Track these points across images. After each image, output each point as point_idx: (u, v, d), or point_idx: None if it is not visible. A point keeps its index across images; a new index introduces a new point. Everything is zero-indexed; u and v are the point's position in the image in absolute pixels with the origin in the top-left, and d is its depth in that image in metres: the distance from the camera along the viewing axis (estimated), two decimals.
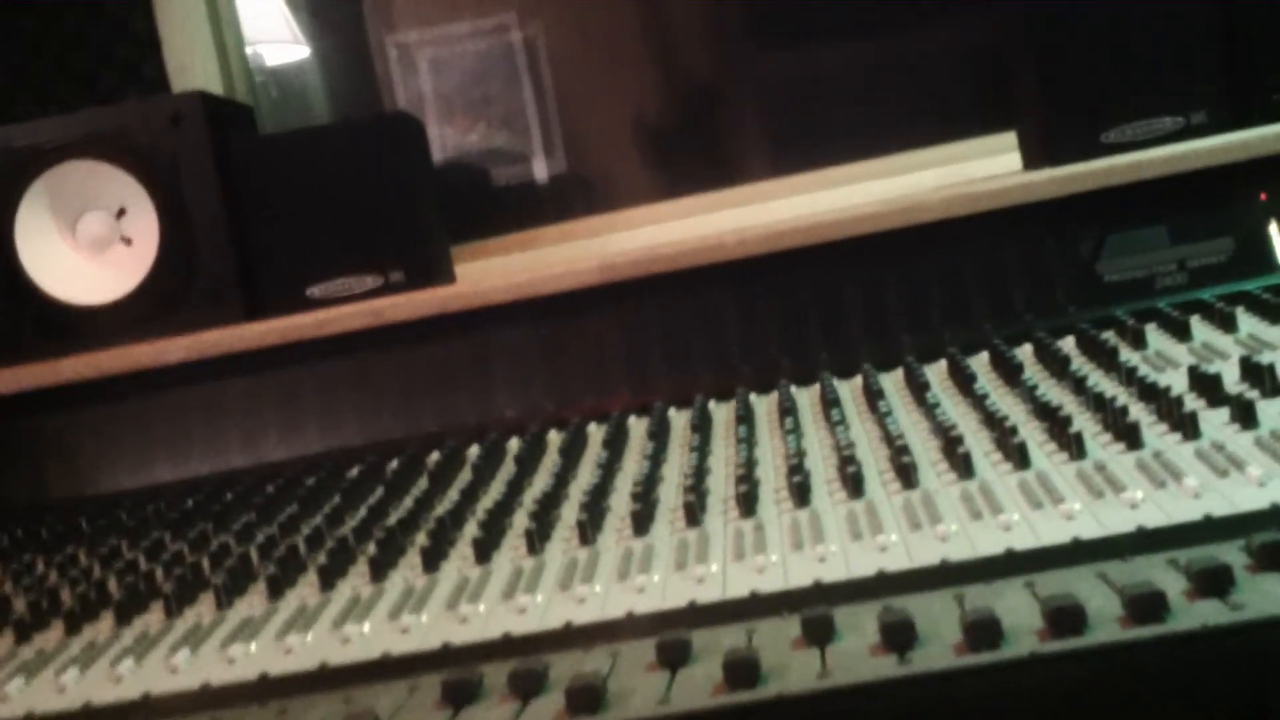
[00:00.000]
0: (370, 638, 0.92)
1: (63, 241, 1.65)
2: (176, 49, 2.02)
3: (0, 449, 1.61)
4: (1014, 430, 1.05)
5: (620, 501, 1.11)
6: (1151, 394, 1.09)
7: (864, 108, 2.06)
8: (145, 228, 1.62)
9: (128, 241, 1.64)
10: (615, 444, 1.28)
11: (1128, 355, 1.24)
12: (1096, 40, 1.52)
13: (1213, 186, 1.42)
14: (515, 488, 1.20)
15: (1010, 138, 1.72)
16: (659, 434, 1.29)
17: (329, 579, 1.05)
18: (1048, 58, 1.54)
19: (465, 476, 1.29)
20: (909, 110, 2.03)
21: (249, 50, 2.15)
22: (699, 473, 1.12)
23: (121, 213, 1.64)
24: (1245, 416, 1.00)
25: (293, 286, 1.64)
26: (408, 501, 1.23)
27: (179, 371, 1.58)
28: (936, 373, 1.33)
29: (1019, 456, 1.01)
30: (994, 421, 1.09)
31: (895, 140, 1.99)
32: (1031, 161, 1.58)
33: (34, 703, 0.91)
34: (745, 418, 1.27)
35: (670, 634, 0.79)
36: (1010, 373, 1.25)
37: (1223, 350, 1.22)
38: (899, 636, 0.74)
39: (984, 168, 1.87)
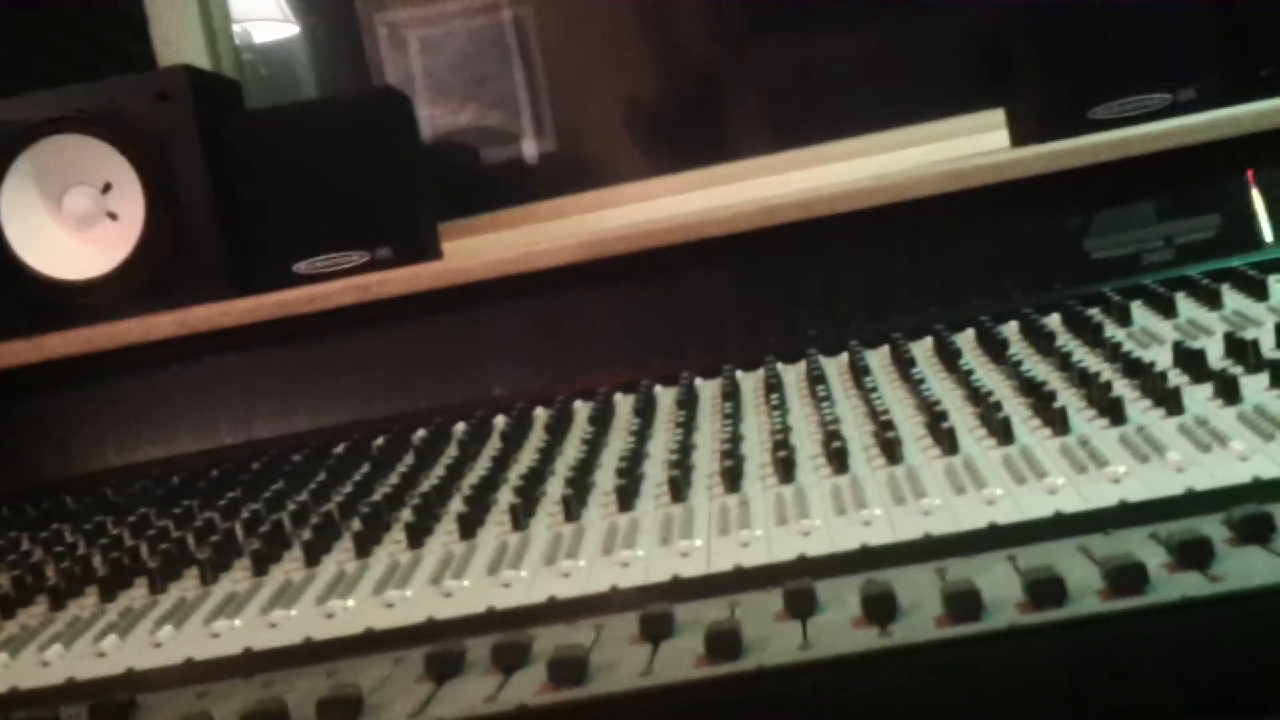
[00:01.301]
0: (355, 612, 0.92)
1: (48, 217, 1.64)
2: (164, 25, 2.01)
3: None
4: (998, 406, 1.05)
5: (606, 477, 1.11)
6: (1136, 370, 1.09)
7: (854, 85, 2.06)
8: (131, 203, 1.62)
9: (114, 217, 1.64)
10: (601, 420, 1.28)
11: (1113, 331, 1.25)
12: (1086, 16, 1.52)
13: (1200, 163, 1.42)
14: (501, 464, 1.20)
15: (994, 116, 1.71)
16: (645, 410, 1.29)
17: (314, 555, 1.05)
18: (1037, 33, 1.54)
19: (451, 453, 1.29)
20: (899, 87, 2.03)
21: (237, 28, 2.14)
22: (684, 449, 1.12)
23: (107, 188, 1.63)
24: (1229, 392, 1.00)
25: (280, 262, 1.63)
26: (393, 478, 1.23)
27: (166, 348, 1.58)
28: (923, 349, 1.33)
29: (1003, 432, 1.01)
30: (979, 397, 1.09)
31: (885, 117, 1.99)
32: (1020, 138, 1.57)
33: (18, 678, 0.91)
34: (732, 394, 1.27)
35: (653, 607, 0.79)
36: (996, 349, 1.25)
37: (1208, 326, 1.22)
38: (880, 609, 0.74)
39: (973, 145, 1.87)
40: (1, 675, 0.93)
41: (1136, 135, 1.43)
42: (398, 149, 1.67)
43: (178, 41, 1.99)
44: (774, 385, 1.27)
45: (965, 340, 1.33)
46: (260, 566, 1.05)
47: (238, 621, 0.94)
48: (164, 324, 1.57)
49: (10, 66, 1.99)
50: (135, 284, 1.61)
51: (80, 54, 2.00)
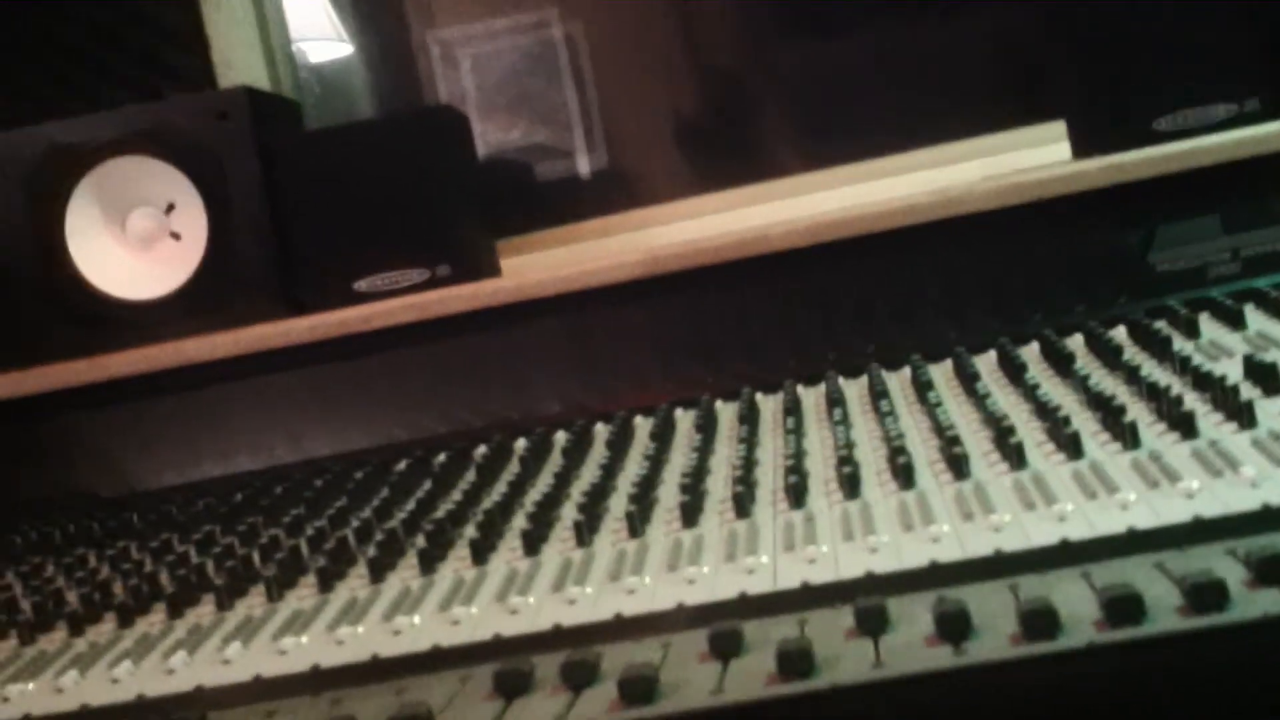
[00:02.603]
0: (421, 629, 0.92)
1: (112, 237, 1.66)
2: (222, 46, 2.03)
3: (50, 444, 1.63)
4: (1067, 420, 1.04)
5: (668, 494, 1.10)
6: (1206, 383, 1.07)
7: (904, 99, 2.05)
8: (193, 223, 1.63)
9: (176, 237, 1.65)
10: (662, 437, 1.28)
11: (1181, 345, 1.23)
12: (1147, 26, 1.50)
13: (1266, 174, 1.40)
14: (563, 480, 1.20)
15: (1053, 128, 1.70)
16: (706, 426, 1.28)
17: (379, 571, 1.05)
18: (1098, 44, 1.52)
19: (513, 469, 1.29)
20: (951, 101, 2.02)
21: (293, 48, 2.16)
22: (747, 464, 1.11)
23: (170, 208, 1.65)
24: None
25: (339, 281, 1.64)
26: (455, 494, 1.23)
27: (226, 367, 1.59)
28: (986, 364, 1.32)
29: (1072, 447, 1.00)
30: (1046, 411, 1.08)
31: (936, 132, 1.98)
32: (1081, 150, 1.56)
33: (89, 695, 0.92)
34: (792, 410, 1.26)
35: (722, 624, 0.79)
36: (1061, 363, 1.24)
37: (1277, 339, 1.20)
38: (954, 627, 0.73)
39: (1027, 158, 1.85)
40: (72, 692, 0.93)
41: (1201, 146, 1.42)
42: (455, 166, 1.68)
43: (238, 62, 2.01)
44: (836, 400, 1.26)
45: (1030, 354, 1.32)
46: (326, 583, 1.05)
47: (305, 639, 0.94)
48: (223, 343, 1.58)
49: (69, 86, 2.02)
50: (197, 303, 1.62)
51: (133, 73, 2.02)
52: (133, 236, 1.66)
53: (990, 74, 2.00)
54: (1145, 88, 1.51)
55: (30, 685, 0.96)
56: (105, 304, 1.63)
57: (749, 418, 1.27)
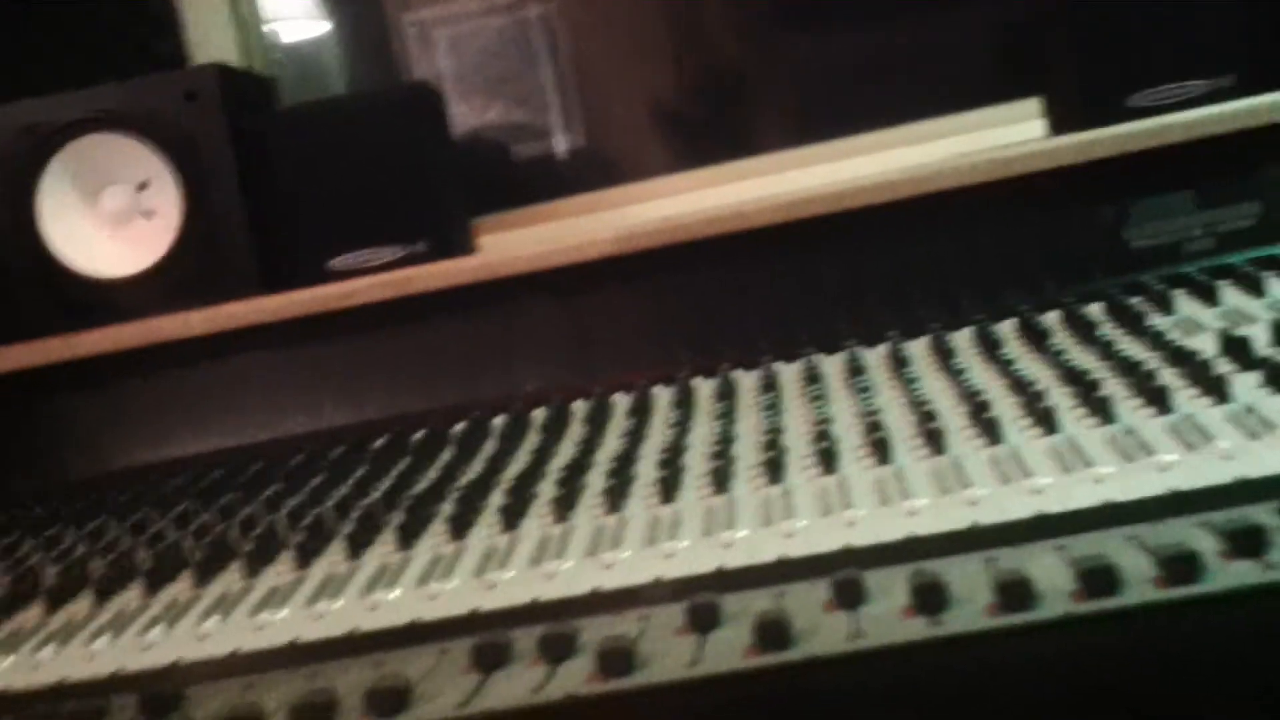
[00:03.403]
0: (399, 604, 0.92)
1: (85, 216, 1.65)
2: (196, 25, 2.02)
3: (25, 423, 1.62)
4: (1042, 395, 1.04)
5: (647, 469, 1.11)
6: (1180, 358, 1.08)
7: (882, 77, 2.04)
8: (166, 201, 1.62)
9: (149, 215, 1.64)
10: (640, 413, 1.28)
11: (1156, 320, 1.24)
12: (1123, 3, 1.50)
13: (1241, 150, 1.40)
14: (540, 457, 1.20)
15: (1030, 105, 1.70)
16: (683, 403, 1.28)
17: (356, 547, 1.05)
18: (1074, 21, 1.53)
19: (491, 446, 1.29)
20: (927, 78, 2.01)
21: (267, 28, 2.15)
22: (725, 440, 1.12)
23: (143, 186, 1.64)
24: (1276, 379, 0.99)
25: (314, 259, 1.64)
26: (433, 471, 1.23)
27: (200, 345, 1.58)
28: (963, 339, 1.33)
29: (1047, 421, 1.00)
30: (1021, 387, 1.09)
31: (913, 109, 1.98)
32: (1058, 126, 1.56)
33: (66, 670, 0.92)
34: (770, 386, 1.27)
35: (700, 598, 0.79)
36: (1037, 339, 1.25)
37: (1251, 314, 1.21)
38: (930, 598, 0.74)
39: (1004, 135, 1.85)
40: (50, 667, 0.93)
41: (1176, 122, 1.42)
42: (430, 144, 1.67)
43: (212, 41, 1.99)
44: (813, 377, 1.26)
45: (1006, 330, 1.32)
46: (303, 559, 1.05)
47: (282, 614, 0.94)
48: (197, 321, 1.57)
49: (40, 66, 2.00)
50: (171, 281, 1.61)
51: (110, 53, 2.00)
52: (105, 215, 1.65)
53: (967, 51, 2.01)
54: (1121, 64, 1.51)
55: (7, 661, 0.95)
56: (78, 282, 1.62)
57: (727, 394, 1.28)
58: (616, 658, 0.74)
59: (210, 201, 1.62)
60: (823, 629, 0.74)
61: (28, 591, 1.10)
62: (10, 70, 1.99)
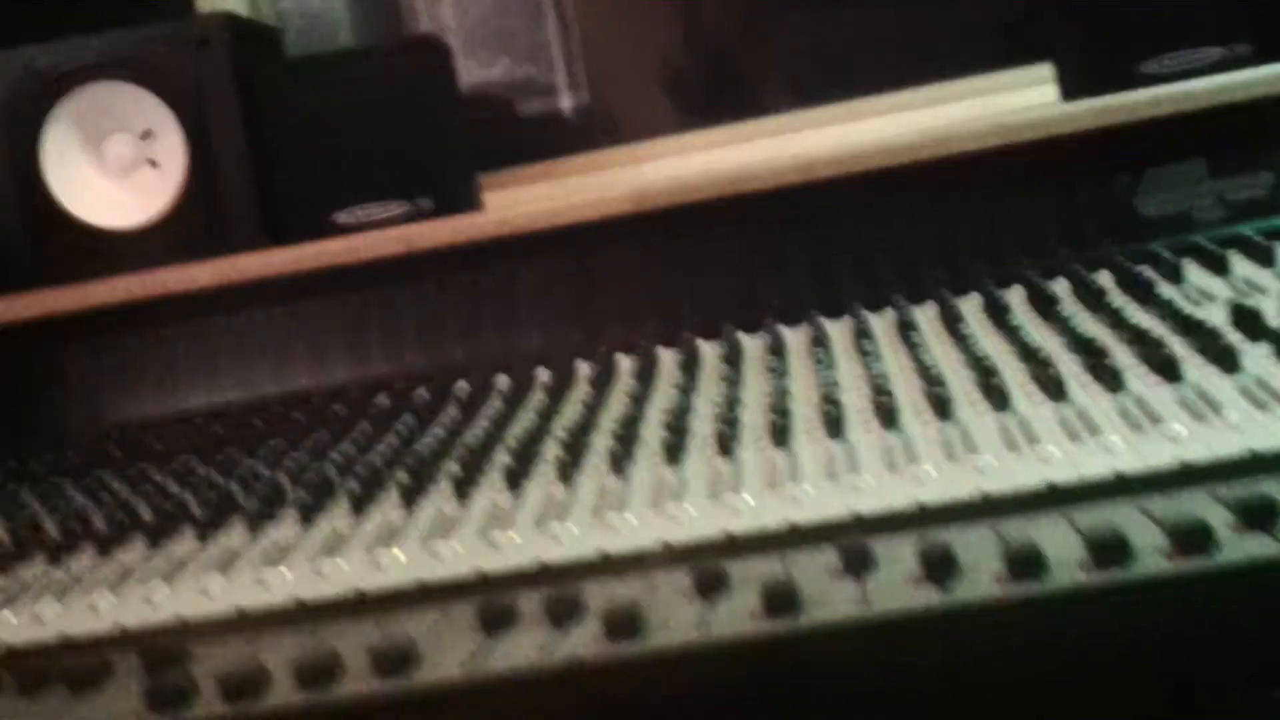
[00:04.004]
0: (403, 564, 0.92)
1: (89, 164, 1.64)
2: None
3: (27, 374, 1.62)
4: (1049, 363, 1.04)
5: (652, 432, 1.10)
6: (1190, 328, 1.07)
7: (895, 38, 2.03)
8: (172, 151, 1.61)
9: (154, 164, 1.63)
10: (646, 375, 1.27)
11: (1165, 289, 1.23)
12: None
13: (1255, 119, 1.39)
14: (545, 417, 1.19)
15: (1042, 70, 1.69)
16: (689, 365, 1.28)
17: (361, 506, 1.05)
18: None
19: (495, 405, 1.28)
20: (940, 41, 2.00)
21: None
22: (731, 403, 1.11)
23: (147, 135, 1.63)
24: None
25: (320, 212, 1.63)
26: (437, 430, 1.23)
27: (205, 298, 1.58)
28: (970, 305, 1.32)
29: (1055, 389, 1.00)
30: (1029, 354, 1.08)
31: (925, 72, 1.96)
32: (1070, 92, 1.55)
33: (67, 625, 0.92)
34: (777, 349, 1.26)
35: (707, 563, 0.79)
36: (1045, 307, 1.24)
37: (1262, 285, 1.20)
38: (939, 566, 0.74)
39: (1016, 100, 1.84)
40: (52, 622, 0.93)
41: (1189, 90, 1.41)
42: (437, 98, 1.66)
43: None
44: (819, 341, 1.26)
45: (1013, 297, 1.31)
46: (307, 517, 1.04)
47: (286, 571, 0.94)
48: (202, 273, 1.57)
49: (41, 9, 1.98)
50: (176, 232, 1.60)
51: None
52: (110, 163, 1.64)
53: (980, 15, 1.99)
54: (1134, 30, 1.49)
55: (8, 615, 0.95)
56: (83, 232, 1.61)
57: (732, 357, 1.27)
58: (623, 620, 0.74)
59: (215, 153, 1.61)
60: (830, 595, 0.74)
61: (29, 545, 1.10)
62: (11, 14, 1.97)
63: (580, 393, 1.28)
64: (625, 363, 1.37)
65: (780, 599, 0.73)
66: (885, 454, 0.95)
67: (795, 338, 1.33)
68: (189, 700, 0.76)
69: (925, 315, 1.32)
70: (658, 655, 0.72)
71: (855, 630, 0.71)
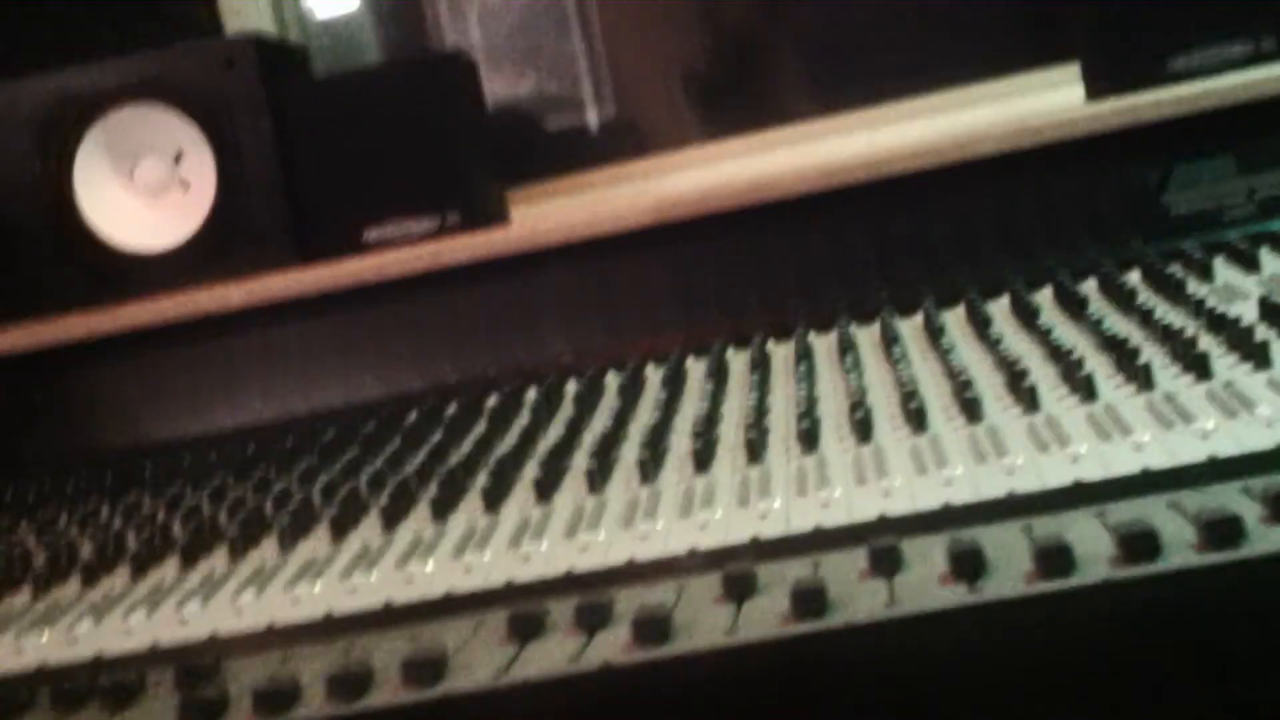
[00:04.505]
0: (434, 576, 0.92)
1: (120, 187, 1.65)
2: None
3: (61, 396, 1.63)
4: (1080, 362, 1.03)
5: (680, 440, 1.10)
6: (1220, 325, 1.06)
7: (916, 43, 2.03)
8: (202, 172, 1.62)
9: (185, 186, 1.65)
10: (673, 384, 1.27)
11: (1195, 287, 1.22)
12: None
13: None
14: (574, 428, 1.20)
15: (1065, 71, 1.68)
16: (717, 373, 1.28)
17: (391, 520, 1.05)
18: None
19: (524, 418, 1.29)
20: (964, 44, 1.99)
21: (302, 4, 2.15)
22: (759, 410, 1.11)
23: (179, 157, 1.64)
24: None
25: (349, 230, 1.63)
26: (467, 444, 1.23)
27: (236, 317, 1.59)
28: (999, 307, 1.32)
29: (1086, 388, 0.99)
30: (1059, 354, 1.08)
31: (949, 76, 1.96)
32: (1095, 91, 1.54)
33: (104, 643, 0.92)
34: (804, 355, 1.26)
35: (735, 566, 0.79)
36: (1075, 306, 1.23)
37: None
38: (968, 565, 0.73)
39: (1040, 102, 1.83)
40: (86, 641, 0.93)
41: (1217, 87, 1.40)
42: (463, 113, 1.67)
43: (245, 10, 1.99)
44: (847, 346, 1.25)
45: (1043, 298, 1.31)
46: (338, 533, 1.05)
47: (318, 587, 0.94)
48: (234, 294, 1.58)
49: (71, 32, 2.00)
50: (207, 253, 1.62)
51: (140, 21, 2.00)
52: (141, 186, 1.65)
53: (1004, 16, 1.98)
54: (1160, 27, 1.48)
55: (45, 635, 0.96)
56: (115, 255, 1.63)
57: (760, 364, 1.27)
58: (653, 626, 0.74)
59: (246, 173, 1.62)
60: (859, 596, 0.74)
61: (65, 566, 1.10)
62: (43, 38, 1.99)
63: (609, 403, 1.28)
64: (653, 372, 1.37)
65: (809, 600, 0.73)
66: (914, 456, 0.95)
67: (823, 343, 1.33)
68: (223, 715, 0.77)
69: (954, 318, 1.32)
70: (688, 658, 0.72)
71: (884, 630, 0.70)
